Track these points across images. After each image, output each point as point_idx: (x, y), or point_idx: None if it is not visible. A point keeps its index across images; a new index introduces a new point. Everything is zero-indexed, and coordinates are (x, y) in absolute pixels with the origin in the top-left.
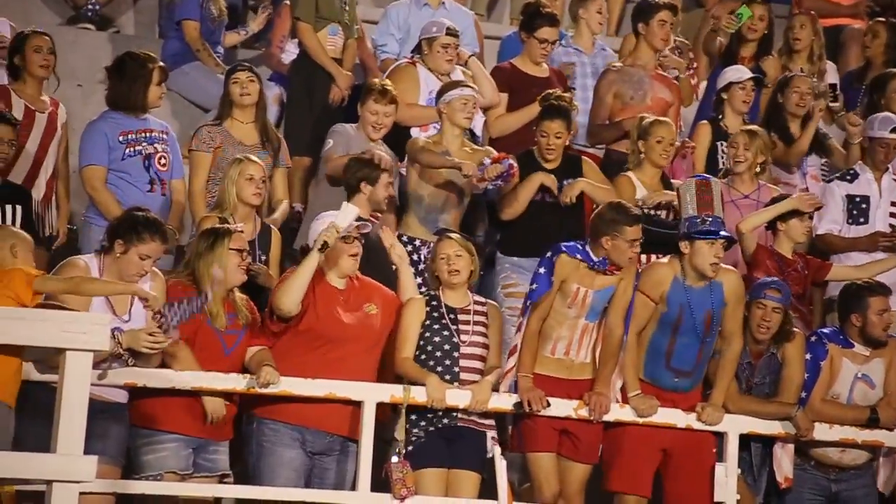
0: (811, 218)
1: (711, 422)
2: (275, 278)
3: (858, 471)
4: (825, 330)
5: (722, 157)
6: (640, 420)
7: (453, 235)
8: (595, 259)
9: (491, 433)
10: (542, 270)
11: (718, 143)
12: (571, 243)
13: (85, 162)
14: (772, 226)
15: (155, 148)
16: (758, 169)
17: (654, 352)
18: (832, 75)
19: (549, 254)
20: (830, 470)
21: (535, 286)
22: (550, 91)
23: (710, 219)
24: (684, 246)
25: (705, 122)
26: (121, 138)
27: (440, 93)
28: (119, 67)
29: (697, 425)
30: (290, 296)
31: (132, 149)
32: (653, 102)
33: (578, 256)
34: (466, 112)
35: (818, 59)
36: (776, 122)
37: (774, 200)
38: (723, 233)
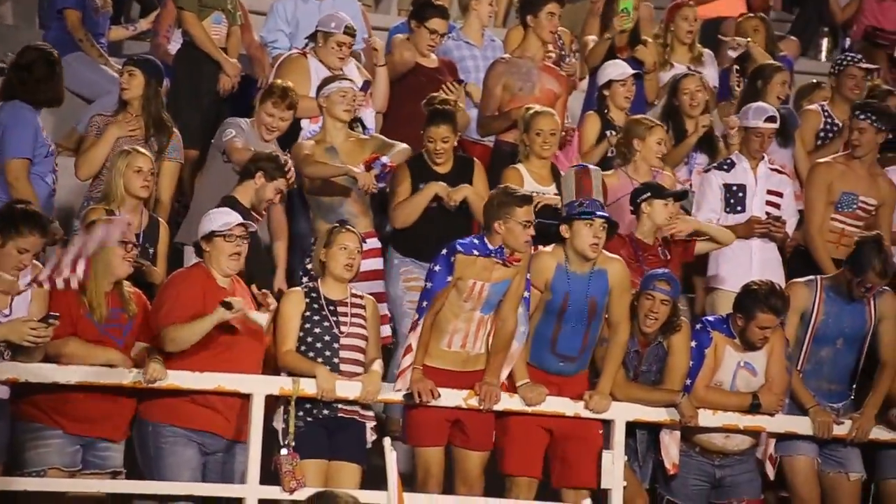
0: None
1: (599, 409)
2: (161, 274)
3: (742, 456)
4: (710, 318)
5: (610, 147)
6: (529, 409)
7: (355, 230)
8: (492, 248)
9: (371, 424)
10: (437, 268)
11: (607, 133)
12: (467, 240)
13: (13, 154)
14: (636, 210)
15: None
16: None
17: (540, 338)
18: (711, 65)
19: (444, 251)
20: (715, 456)
21: (430, 284)
22: (434, 95)
23: (588, 201)
24: (565, 230)
25: (592, 112)
26: (44, 134)
27: (320, 87)
28: (44, 63)
29: (585, 413)
30: (183, 343)
31: (48, 147)
32: (541, 94)
33: (475, 252)
34: (345, 105)
35: (696, 49)
36: (675, 123)
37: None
38: (600, 213)
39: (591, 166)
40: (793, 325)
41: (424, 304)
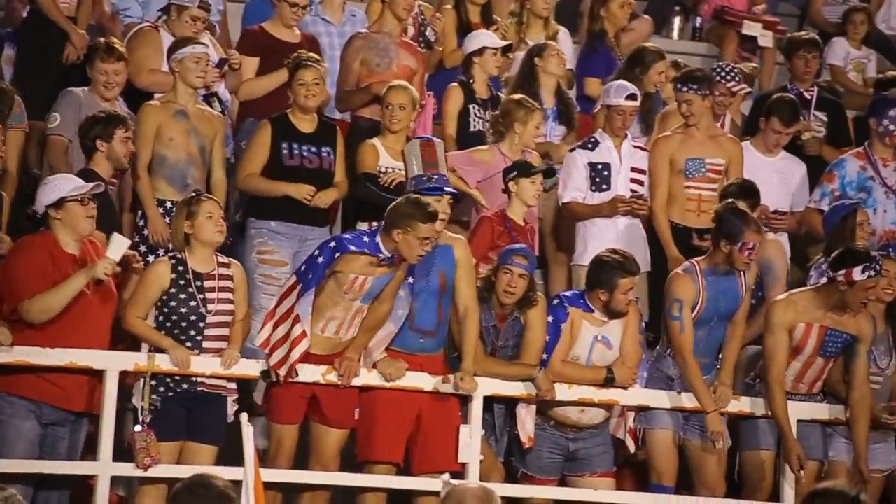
0: (543, 182)
1: (470, 389)
2: (8, 242)
3: (595, 430)
4: (567, 293)
5: (474, 121)
6: (388, 384)
7: (213, 196)
8: (385, 254)
9: (232, 397)
10: (320, 259)
11: (470, 107)
12: (357, 237)
13: None
14: (506, 190)
15: None
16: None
17: None
18: (566, 41)
19: (332, 244)
20: (569, 429)
21: (311, 275)
22: (299, 52)
23: (437, 176)
24: None
25: (456, 84)
26: None
27: (172, 49)
28: None
29: (444, 388)
30: (43, 314)
31: None
32: (399, 69)
33: (366, 251)
34: (199, 71)
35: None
36: (529, 88)
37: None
38: (448, 189)
39: (434, 139)
40: (687, 318)
41: (302, 288)
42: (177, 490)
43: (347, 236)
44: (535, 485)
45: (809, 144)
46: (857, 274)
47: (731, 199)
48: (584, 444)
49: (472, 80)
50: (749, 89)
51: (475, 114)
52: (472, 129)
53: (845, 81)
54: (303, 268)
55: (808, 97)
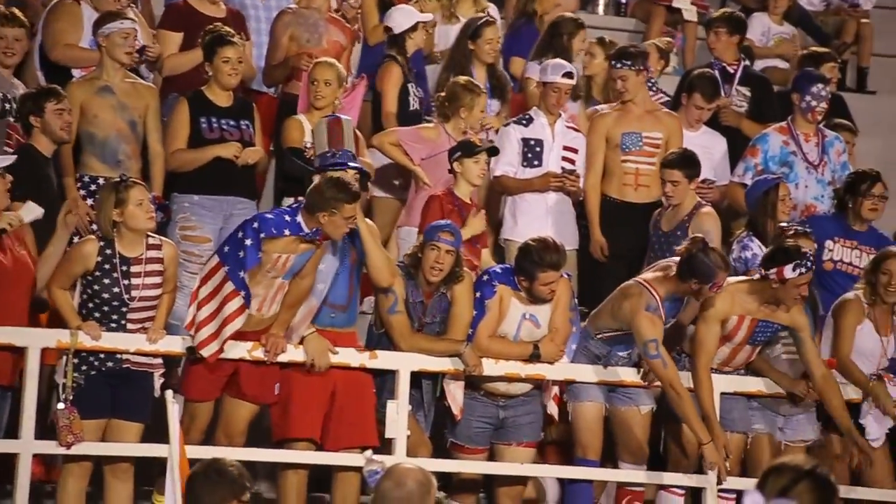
0: (488, 161)
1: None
2: None
3: (526, 398)
4: (497, 270)
5: (413, 99)
6: (315, 355)
7: (140, 182)
8: (307, 231)
9: (158, 372)
10: (248, 242)
11: (409, 85)
12: (279, 218)
13: None
14: (452, 170)
15: None
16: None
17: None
18: (495, 13)
19: (255, 224)
20: (499, 398)
21: (242, 255)
22: (214, 25)
23: (341, 152)
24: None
25: (393, 62)
26: None
27: (98, 23)
28: None
29: (370, 364)
30: None
31: None
32: (329, 45)
33: (287, 232)
34: (126, 47)
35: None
36: (460, 66)
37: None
38: (353, 164)
39: (342, 116)
40: (665, 352)
41: (242, 274)
42: (192, 474)
43: (269, 216)
44: (464, 454)
45: (725, 115)
46: (789, 272)
47: (701, 238)
48: (513, 413)
49: (407, 57)
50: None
51: (414, 92)
52: (411, 107)
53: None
54: (226, 248)
55: (732, 71)
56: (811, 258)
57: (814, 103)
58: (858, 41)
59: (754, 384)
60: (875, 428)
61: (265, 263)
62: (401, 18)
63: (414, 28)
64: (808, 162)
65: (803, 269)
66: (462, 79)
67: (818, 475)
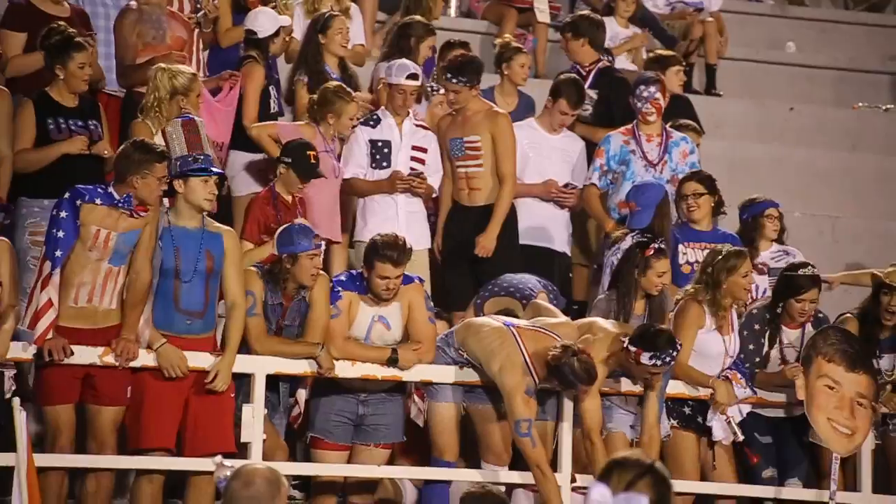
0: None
1: (219, 387)
2: None
3: (388, 396)
4: (342, 278)
5: (273, 101)
6: (168, 367)
7: None
8: (117, 197)
9: (10, 372)
10: (63, 214)
11: (270, 88)
12: (92, 188)
13: None
14: (275, 171)
15: None
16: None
17: (164, 297)
18: (357, 17)
19: (67, 195)
20: (359, 392)
21: (61, 233)
22: (55, 25)
23: (203, 157)
24: (178, 185)
25: (257, 64)
26: None
27: None
28: None
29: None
30: None
31: None
32: (172, 41)
33: (98, 201)
34: None
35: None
36: (313, 62)
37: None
38: (215, 169)
39: (196, 118)
40: (535, 433)
41: (58, 253)
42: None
43: (81, 186)
44: (324, 449)
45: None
46: (645, 359)
47: (571, 347)
48: (373, 411)
49: (270, 60)
50: None
51: (274, 95)
52: (271, 109)
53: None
54: (56, 232)
55: (584, 73)
56: (673, 355)
57: (639, 105)
58: (704, 40)
59: (609, 385)
60: (720, 429)
61: (86, 240)
62: (266, 23)
63: (277, 33)
64: (646, 160)
65: (658, 363)
66: (333, 84)
67: (657, 470)
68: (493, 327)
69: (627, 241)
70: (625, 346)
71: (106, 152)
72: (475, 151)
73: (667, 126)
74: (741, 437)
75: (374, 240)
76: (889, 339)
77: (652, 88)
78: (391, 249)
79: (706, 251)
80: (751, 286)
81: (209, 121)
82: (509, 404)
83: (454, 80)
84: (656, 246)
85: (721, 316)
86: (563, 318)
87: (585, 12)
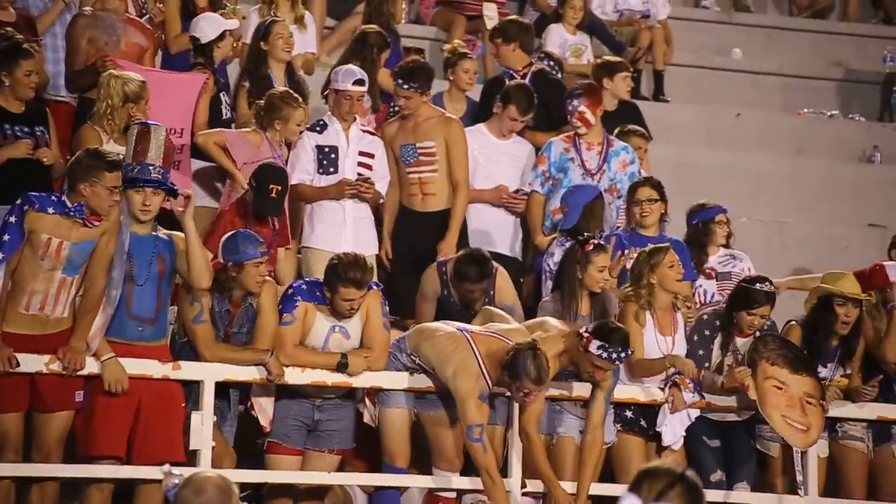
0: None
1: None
2: None
3: (342, 401)
4: (304, 286)
5: (225, 108)
6: (112, 382)
7: None
8: (70, 206)
9: None
10: (12, 220)
11: (221, 94)
12: (45, 196)
13: None
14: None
15: None
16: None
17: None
18: (311, 24)
19: (19, 201)
20: (314, 398)
21: (6, 237)
22: (1, 31)
23: (140, 167)
24: (122, 194)
25: (203, 68)
26: None
27: None
28: None
29: (174, 375)
30: None
31: None
32: (127, 48)
33: (50, 210)
34: None
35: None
36: (257, 69)
37: None
38: (148, 181)
39: (153, 123)
40: (487, 440)
41: (2, 255)
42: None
43: (34, 193)
44: (280, 454)
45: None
46: (593, 347)
47: (534, 340)
48: (328, 416)
49: (215, 67)
50: None
51: (225, 101)
52: (224, 116)
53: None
54: (4, 237)
55: (518, 78)
56: (622, 355)
57: (567, 116)
58: (651, 46)
59: (557, 388)
60: (670, 434)
61: (37, 248)
62: (207, 28)
63: (221, 37)
64: (584, 169)
65: (604, 355)
66: (280, 90)
67: (688, 479)
68: (447, 332)
69: (555, 245)
70: (579, 332)
71: (46, 159)
72: (430, 157)
73: (609, 135)
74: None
75: (335, 263)
76: (833, 348)
77: (576, 102)
78: (354, 271)
79: None
80: (680, 276)
81: (169, 98)
82: (462, 409)
83: (405, 86)
84: (596, 242)
85: (659, 315)
86: (515, 324)
87: (514, 17)
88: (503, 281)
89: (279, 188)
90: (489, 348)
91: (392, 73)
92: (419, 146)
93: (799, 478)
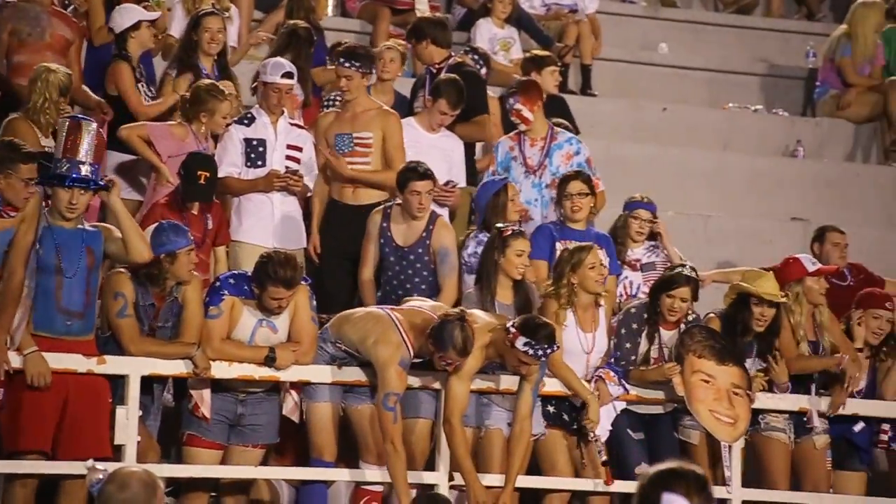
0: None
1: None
2: None
3: (266, 395)
4: (231, 279)
5: (145, 99)
6: (34, 376)
7: None
8: None
9: None
10: None
11: (139, 85)
12: None
13: None
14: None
15: None
16: None
17: (44, 296)
18: (236, 19)
19: None
20: (239, 393)
21: None
22: None
23: (69, 163)
24: (49, 189)
25: (122, 61)
26: None
27: None
28: None
29: (99, 369)
30: None
31: None
32: (52, 39)
33: None
34: None
35: None
36: (188, 61)
37: None
38: (74, 179)
39: (84, 119)
40: (399, 410)
41: None
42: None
43: None
44: (200, 447)
45: None
46: (519, 343)
47: (464, 311)
48: (251, 411)
49: (126, 52)
50: None
51: (145, 92)
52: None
53: (493, 65)
54: None
55: (436, 72)
56: (547, 351)
57: (511, 117)
58: (579, 41)
59: (486, 381)
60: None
61: None
62: (120, 18)
63: (136, 27)
64: (526, 166)
65: (530, 351)
66: (205, 82)
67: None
68: (367, 311)
69: (469, 239)
70: (506, 326)
71: None
72: (365, 148)
73: (554, 128)
74: (605, 458)
75: (265, 262)
76: (749, 344)
77: (512, 100)
78: (284, 270)
79: None
80: (601, 278)
81: None
82: (382, 376)
83: (347, 65)
84: (514, 228)
85: (581, 312)
86: (440, 304)
87: (425, 15)
88: (441, 225)
89: (207, 174)
90: (411, 320)
91: (333, 53)
92: (356, 136)
93: (727, 472)
